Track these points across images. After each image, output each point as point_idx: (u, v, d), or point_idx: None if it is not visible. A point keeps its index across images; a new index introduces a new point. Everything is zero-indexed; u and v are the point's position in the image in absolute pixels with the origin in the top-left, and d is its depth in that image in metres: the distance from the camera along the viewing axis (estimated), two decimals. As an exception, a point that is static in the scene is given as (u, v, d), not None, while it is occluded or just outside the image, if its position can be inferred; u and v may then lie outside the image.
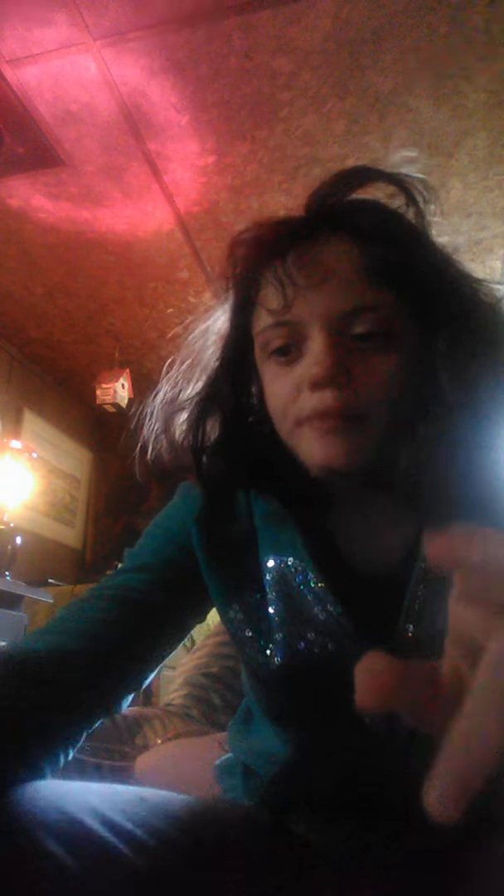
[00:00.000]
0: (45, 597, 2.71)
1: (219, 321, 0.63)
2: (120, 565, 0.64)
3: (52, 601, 2.80)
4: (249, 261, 0.57)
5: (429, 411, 0.52)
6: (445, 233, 0.58)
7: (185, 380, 0.64)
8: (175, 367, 0.64)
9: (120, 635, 0.56)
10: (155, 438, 0.63)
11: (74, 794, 0.46)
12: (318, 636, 0.56)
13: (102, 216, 2.52)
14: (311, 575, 0.57)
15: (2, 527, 2.65)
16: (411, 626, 0.53)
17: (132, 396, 3.29)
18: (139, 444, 0.63)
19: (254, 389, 0.61)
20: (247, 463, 0.59)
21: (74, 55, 1.87)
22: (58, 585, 3.25)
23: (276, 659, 0.57)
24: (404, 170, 0.58)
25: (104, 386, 3.19)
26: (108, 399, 3.16)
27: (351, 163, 2.22)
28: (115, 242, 2.68)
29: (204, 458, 0.59)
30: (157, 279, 2.93)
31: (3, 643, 2.26)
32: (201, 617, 0.64)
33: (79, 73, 1.93)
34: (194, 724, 1.39)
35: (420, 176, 0.58)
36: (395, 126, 2.09)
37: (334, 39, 1.81)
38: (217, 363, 0.61)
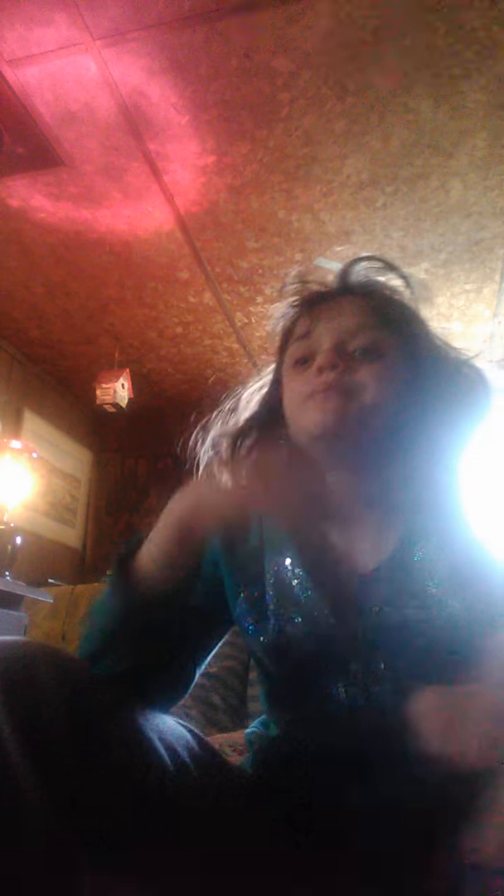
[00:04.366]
0: (45, 597, 2.71)
1: (260, 386, 0.83)
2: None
3: (52, 601, 2.80)
4: (292, 315, 0.78)
5: (406, 440, 0.69)
6: (433, 320, 0.79)
7: (229, 419, 0.82)
8: (222, 413, 0.83)
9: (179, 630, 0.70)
10: (206, 461, 0.80)
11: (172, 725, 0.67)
12: (303, 618, 0.68)
13: (102, 216, 2.53)
14: (298, 569, 0.71)
15: (2, 527, 2.65)
16: (380, 610, 0.66)
17: (132, 396, 3.29)
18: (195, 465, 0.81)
19: (277, 429, 0.78)
20: None
21: (74, 55, 1.87)
22: (58, 585, 3.25)
23: (269, 638, 0.70)
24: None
25: (104, 386, 3.19)
26: (108, 399, 3.16)
27: (351, 163, 2.23)
28: (115, 242, 2.68)
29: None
30: (157, 279, 2.93)
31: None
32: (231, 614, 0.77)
33: (79, 73, 1.93)
34: (193, 725, 1.39)
35: (422, 279, 0.81)
36: (395, 126, 2.09)
37: (334, 39, 1.81)
38: (260, 398, 0.80)
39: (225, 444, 0.79)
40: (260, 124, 2.09)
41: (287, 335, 0.78)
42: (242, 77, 1.93)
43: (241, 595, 0.74)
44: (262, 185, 2.35)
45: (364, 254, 0.79)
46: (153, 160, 2.24)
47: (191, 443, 0.82)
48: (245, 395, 0.84)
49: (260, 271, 2.85)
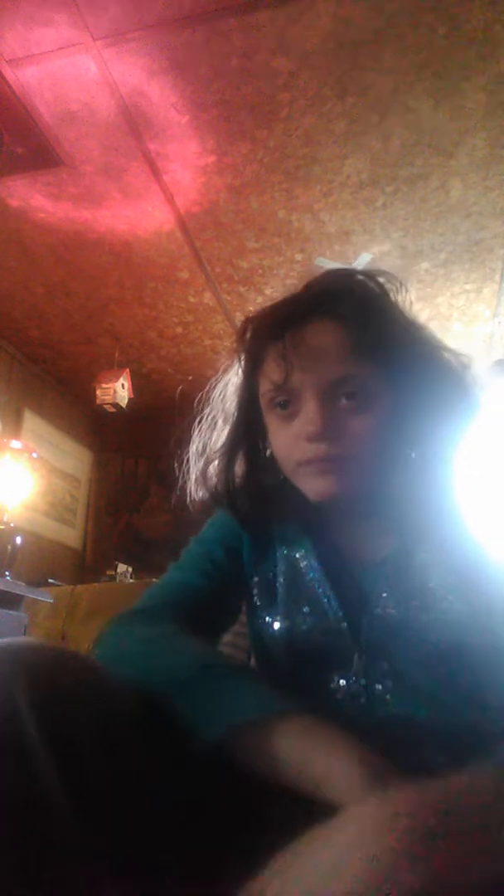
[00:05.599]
0: (45, 597, 2.71)
1: (232, 378, 0.80)
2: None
3: (52, 601, 2.80)
4: (256, 340, 0.73)
5: (401, 453, 0.69)
6: (419, 300, 0.72)
7: (211, 429, 0.81)
8: (202, 419, 0.81)
9: (210, 596, 0.75)
10: (193, 483, 0.80)
11: None
12: (312, 610, 0.70)
13: (102, 216, 2.53)
14: (313, 562, 0.73)
15: (2, 527, 2.66)
16: (381, 607, 0.68)
17: (132, 396, 3.29)
18: (182, 487, 0.81)
19: (261, 442, 0.78)
20: (266, 496, 0.77)
21: (74, 55, 1.87)
22: (58, 585, 3.25)
23: (276, 626, 0.71)
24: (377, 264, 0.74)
25: (104, 386, 3.19)
26: (108, 399, 3.16)
27: (351, 163, 2.23)
28: (115, 242, 2.68)
29: (235, 499, 0.77)
30: (157, 279, 2.93)
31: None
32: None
33: (79, 73, 1.93)
34: None
35: (388, 272, 0.73)
36: (395, 126, 2.09)
37: (334, 39, 1.81)
38: (235, 417, 0.78)
39: (210, 479, 0.78)
40: (260, 124, 2.09)
41: (256, 358, 0.73)
42: (242, 77, 1.93)
43: (255, 578, 0.76)
44: (262, 185, 2.35)
45: (329, 264, 0.75)
46: (153, 160, 2.24)
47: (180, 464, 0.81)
48: (217, 396, 0.82)
49: (260, 271, 2.85)
